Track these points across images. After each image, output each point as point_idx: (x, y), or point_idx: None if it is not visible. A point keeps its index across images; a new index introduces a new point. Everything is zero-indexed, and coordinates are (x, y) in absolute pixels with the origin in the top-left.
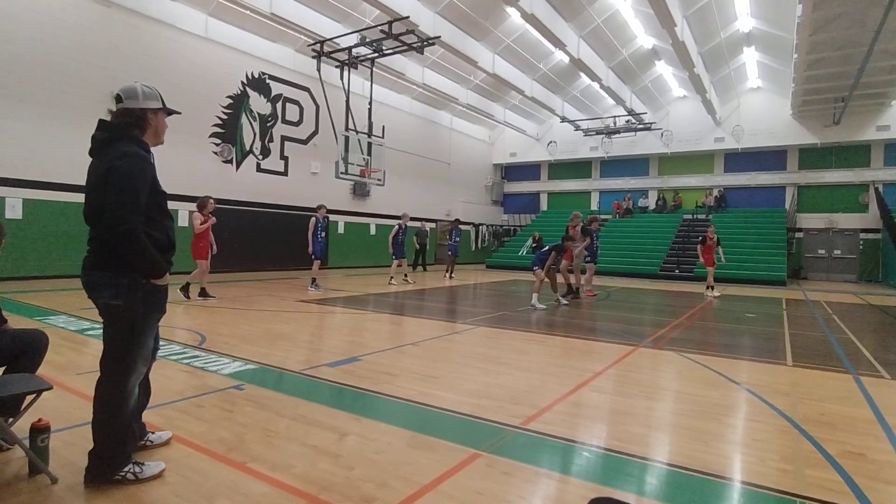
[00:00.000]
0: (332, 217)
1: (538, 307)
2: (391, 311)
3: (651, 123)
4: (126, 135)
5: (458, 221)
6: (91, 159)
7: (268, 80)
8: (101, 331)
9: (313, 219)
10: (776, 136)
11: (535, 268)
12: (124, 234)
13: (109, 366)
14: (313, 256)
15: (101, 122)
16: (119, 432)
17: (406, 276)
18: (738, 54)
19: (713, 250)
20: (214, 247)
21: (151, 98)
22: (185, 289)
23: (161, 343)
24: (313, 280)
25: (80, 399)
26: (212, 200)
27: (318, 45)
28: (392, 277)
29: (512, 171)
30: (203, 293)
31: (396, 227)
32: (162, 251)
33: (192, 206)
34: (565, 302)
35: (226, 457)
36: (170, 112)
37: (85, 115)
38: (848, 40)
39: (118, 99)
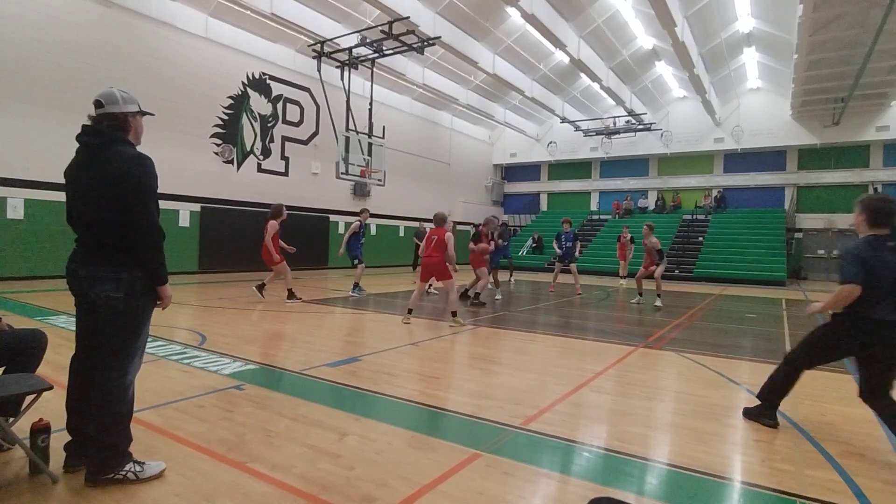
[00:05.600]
0: (331, 217)
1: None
2: (391, 311)
3: (651, 124)
4: (118, 138)
5: (504, 224)
6: (74, 163)
7: (268, 81)
8: (96, 326)
9: (357, 222)
10: (776, 137)
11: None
12: (158, 232)
13: (110, 358)
14: (356, 261)
15: (87, 127)
16: (119, 424)
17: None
18: (738, 55)
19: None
20: (288, 248)
21: (130, 102)
22: (281, 293)
23: (161, 343)
24: (356, 284)
25: None
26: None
27: (319, 45)
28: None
29: (512, 172)
30: (290, 295)
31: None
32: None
33: (194, 207)
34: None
35: (226, 457)
36: (144, 114)
37: (85, 115)
38: (848, 41)
39: (98, 104)
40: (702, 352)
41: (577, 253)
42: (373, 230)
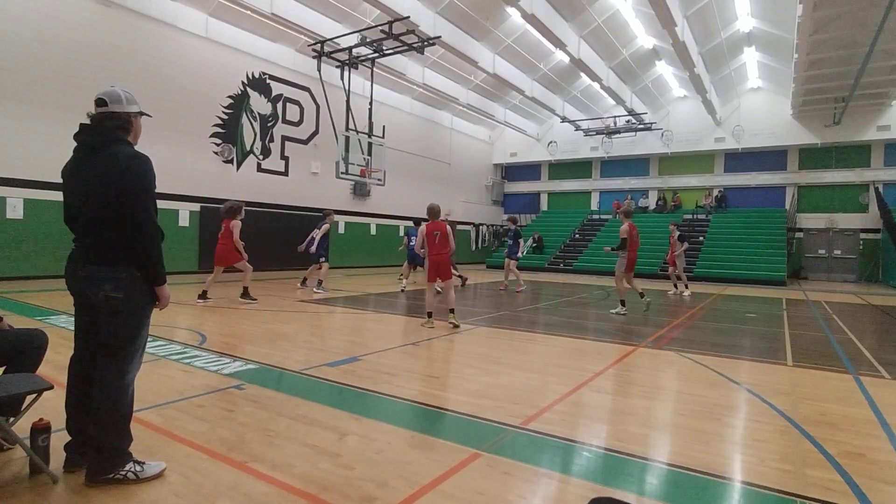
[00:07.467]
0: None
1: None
2: (391, 311)
3: (651, 123)
4: (118, 138)
5: (514, 220)
6: (72, 163)
7: (268, 80)
8: (95, 326)
9: (328, 224)
10: (776, 136)
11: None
12: (156, 231)
13: (109, 358)
14: (323, 259)
15: (86, 126)
16: (119, 424)
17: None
18: (738, 54)
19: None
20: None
21: (133, 102)
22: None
23: (161, 343)
24: (320, 282)
25: None
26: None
27: (319, 45)
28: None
29: (512, 171)
30: (202, 295)
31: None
32: None
33: (194, 206)
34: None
35: (226, 456)
36: (143, 115)
37: (85, 115)
38: (848, 40)
39: (101, 103)
40: (702, 352)
41: (518, 251)
42: (373, 230)
